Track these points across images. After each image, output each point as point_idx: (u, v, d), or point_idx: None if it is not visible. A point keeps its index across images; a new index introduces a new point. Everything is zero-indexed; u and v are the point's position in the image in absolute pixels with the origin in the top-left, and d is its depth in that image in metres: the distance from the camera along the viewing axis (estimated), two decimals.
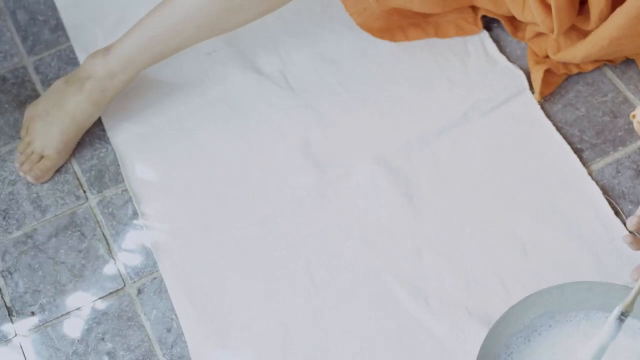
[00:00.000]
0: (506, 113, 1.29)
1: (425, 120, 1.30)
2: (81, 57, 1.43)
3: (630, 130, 1.25)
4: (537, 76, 1.28)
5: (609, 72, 1.31)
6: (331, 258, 1.20)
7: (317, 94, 1.35)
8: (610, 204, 1.19)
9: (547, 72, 1.29)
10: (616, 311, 0.94)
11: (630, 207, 1.19)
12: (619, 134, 1.26)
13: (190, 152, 1.32)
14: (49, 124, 1.30)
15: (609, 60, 1.30)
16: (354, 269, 1.18)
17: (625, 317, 0.93)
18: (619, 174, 1.22)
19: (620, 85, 1.30)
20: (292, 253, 1.21)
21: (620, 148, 1.24)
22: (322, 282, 1.18)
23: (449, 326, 1.12)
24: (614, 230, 1.17)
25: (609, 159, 1.24)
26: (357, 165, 1.27)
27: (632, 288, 1.00)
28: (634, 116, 0.97)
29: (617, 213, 1.19)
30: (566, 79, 1.31)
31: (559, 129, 1.27)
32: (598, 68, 1.31)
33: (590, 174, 1.23)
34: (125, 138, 1.34)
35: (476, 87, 1.32)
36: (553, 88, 1.30)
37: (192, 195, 1.28)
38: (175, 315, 1.18)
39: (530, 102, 1.30)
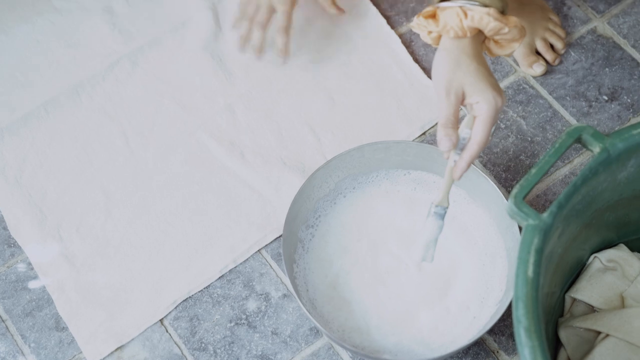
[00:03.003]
0: None
1: None
2: None
3: (422, 1, 1.31)
4: None
5: None
6: (146, 122, 1.20)
7: None
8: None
9: None
10: (431, 209, 0.97)
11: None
12: (411, 5, 1.30)
13: None
14: None
15: None
16: (169, 130, 1.20)
17: (443, 211, 0.96)
18: (413, 43, 1.27)
19: None
20: (105, 119, 1.20)
21: (412, 18, 1.29)
22: (138, 145, 1.18)
23: (266, 177, 1.16)
24: (413, 76, 1.23)
25: (403, 29, 1.29)
26: (165, 30, 1.27)
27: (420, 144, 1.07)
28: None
29: (416, 60, 1.25)
30: None
31: None
32: None
33: None
34: None
35: None
36: None
37: None
38: None
39: None
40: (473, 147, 0.92)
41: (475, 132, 0.91)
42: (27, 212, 1.13)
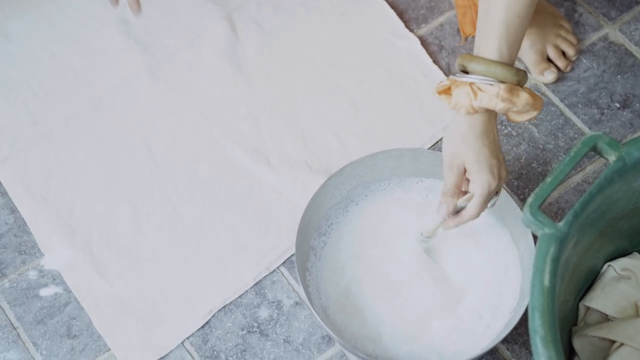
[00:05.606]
0: None
1: None
2: None
3: (432, 8, 1.30)
4: None
5: None
6: (169, 132, 1.20)
7: None
8: None
9: None
10: (419, 236, 1.05)
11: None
12: (422, 12, 1.30)
13: (4, 48, 1.26)
14: None
15: None
16: (193, 140, 1.19)
17: (427, 240, 1.05)
18: (430, 46, 1.27)
19: None
20: (127, 132, 1.20)
21: (423, 25, 1.29)
22: (163, 156, 1.18)
23: (292, 182, 1.16)
24: (433, 77, 1.24)
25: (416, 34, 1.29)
26: (181, 41, 1.27)
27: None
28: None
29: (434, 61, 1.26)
30: None
31: None
32: None
33: None
34: None
35: None
36: None
37: (14, 92, 1.23)
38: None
39: None
40: (464, 217, 0.98)
41: (469, 207, 0.96)
42: (56, 228, 1.13)
